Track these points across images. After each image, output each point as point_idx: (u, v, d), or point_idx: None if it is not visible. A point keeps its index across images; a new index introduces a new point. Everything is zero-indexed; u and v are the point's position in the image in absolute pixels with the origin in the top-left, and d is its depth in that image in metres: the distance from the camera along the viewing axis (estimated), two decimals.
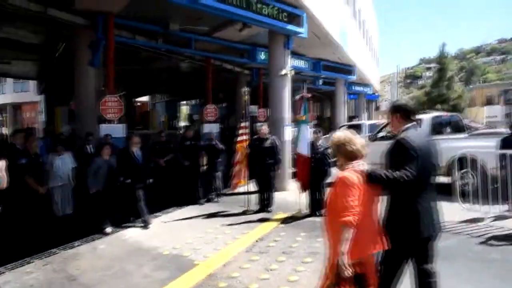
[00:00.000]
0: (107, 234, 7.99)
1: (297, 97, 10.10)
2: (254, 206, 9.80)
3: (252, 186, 9.96)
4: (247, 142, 9.73)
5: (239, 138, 9.74)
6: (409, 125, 3.63)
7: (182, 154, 10.84)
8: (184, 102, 48.11)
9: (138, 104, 37.33)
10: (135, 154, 8.51)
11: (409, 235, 3.40)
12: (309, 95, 10.61)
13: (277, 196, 10.53)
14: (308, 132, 9.42)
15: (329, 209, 3.34)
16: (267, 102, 13.26)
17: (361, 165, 3.35)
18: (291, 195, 10.94)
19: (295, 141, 9.89)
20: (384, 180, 3.28)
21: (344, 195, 3.14)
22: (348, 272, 3.09)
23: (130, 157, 8.47)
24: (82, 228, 8.26)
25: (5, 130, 38.79)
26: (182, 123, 42.92)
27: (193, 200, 10.72)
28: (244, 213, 9.58)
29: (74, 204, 8.63)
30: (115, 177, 8.23)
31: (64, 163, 8.32)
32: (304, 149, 9.22)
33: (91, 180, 7.91)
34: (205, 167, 10.72)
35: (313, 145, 9.19)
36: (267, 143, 9.68)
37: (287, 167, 12.16)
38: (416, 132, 3.58)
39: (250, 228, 8.18)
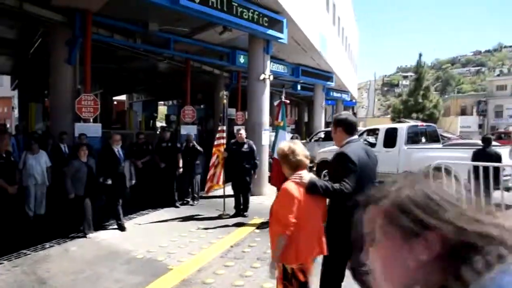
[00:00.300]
0: (88, 238, 7.80)
1: (276, 102, 10.17)
2: (231, 210, 9.76)
3: (229, 190, 9.91)
4: (224, 146, 9.69)
5: (216, 142, 9.74)
6: (350, 138, 3.81)
7: (159, 156, 10.74)
8: (162, 102, 47.53)
9: (115, 103, 36.83)
10: (117, 152, 8.31)
11: (346, 243, 3.42)
12: (288, 101, 10.66)
13: (254, 200, 10.53)
14: (285, 137, 9.49)
15: (271, 216, 3.56)
16: (246, 105, 13.26)
17: (303, 175, 3.53)
18: (267, 199, 10.94)
19: (272, 146, 9.93)
20: (324, 191, 3.48)
21: (283, 206, 3.41)
22: (273, 276, 3.51)
23: (112, 155, 8.26)
24: (54, 230, 8.10)
25: None
26: (160, 124, 42.35)
27: (169, 203, 10.67)
28: (220, 217, 9.57)
29: (47, 205, 8.44)
30: (95, 179, 7.99)
31: (38, 162, 8.15)
32: None
33: (69, 185, 7.59)
34: (181, 170, 10.63)
35: None
36: (245, 148, 9.72)
37: (265, 172, 12.18)
38: (355, 145, 3.77)
39: (225, 232, 8.17)
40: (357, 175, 3.57)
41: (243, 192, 9.76)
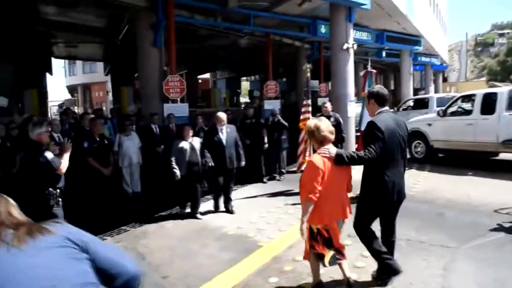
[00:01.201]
0: (200, 219, 7.84)
1: (362, 72, 9.74)
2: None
3: None
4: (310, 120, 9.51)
5: (302, 116, 9.52)
6: (381, 109, 4.18)
7: (243, 133, 10.80)
8: (245, 78, 47.82)
9: (200, 81, 37.69)
10: (221, 133, 8.00)
11: (379, 198, 4.13)
12: (374, 70, 10.20)
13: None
14: None
15: (301, 185, 4.04)
16: (329, 77, 12.90)
17: (330, 149, 3.99)
18: (356, 173, 10.58)
19: (359, 118, 9.58)
20: (350, 160, 3.93)
21: (309, 177, 3.90)
22: (305, 236, 4.10)
23: (216, 136, 7.99)
24: (151, 207, 8.49)
25: (77, 110, 40.76)
26: (243, 100, 42.72)
27: (256, 179, 10.75)
28: None
29: (142, 183, 8.84)
30: (199, 160, 7.73)
31: (132, 143, 8.50)
32: None
33: (174, 165, 7.51)
34: (266, 145, 10.63)
35: None
36: (331, 121, 9.32)
37: (352, 145, 11.85)
38: (385, 115, 4.13)
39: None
40: (385, 141, 3.96)
41: None
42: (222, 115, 7.94)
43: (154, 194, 9.26)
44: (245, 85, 52.19)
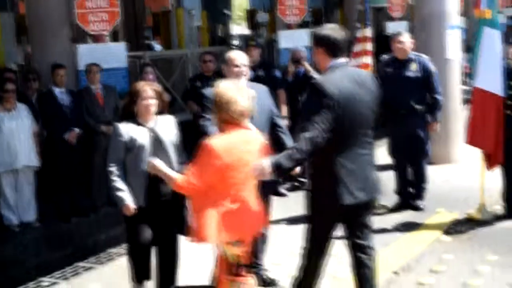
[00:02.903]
0: None
1: None
2: (390, 197, 6.02)
3: (382, 156, 6.02)
4: (372, 68, 5.84)
5: (355, 61, 5.86)
6: (333, 62, 3.33)
7: None
8: None
9: None
10: None
11: (330, 202, 3.28)
12: None
13: (434, 175, 6.75)
14: (498, 43, 5.28)
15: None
16: None
17: (262, 165, 3.05)
18: (463, 174, 7.23)
19: (470, 63, 5.65)
20: (295, 163, 3.15)
21: (197, 164, 3.09)
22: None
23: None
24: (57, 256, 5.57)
25: None
26: (238, 30, 27.78)
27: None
28: None
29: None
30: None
31: (18, 127, 6.05)
32: (491, 80, 5.28)
33: (118, 184, 4.68)
34: (286, 121, 6.63)
35: (510, 72, 5.35)
36: (412, 70, 5.72)
37: (456, 117, 7.76)
38: (340, 73, 3.30)
39: (382, 244, 4.95)
40: (337, 112, 3.14)
41: (413, 161, 5.84)
42: (239, 56, 4.21)
43: (64, 226, 6.14)
44: (239, 0, 31.89)
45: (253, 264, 3.88)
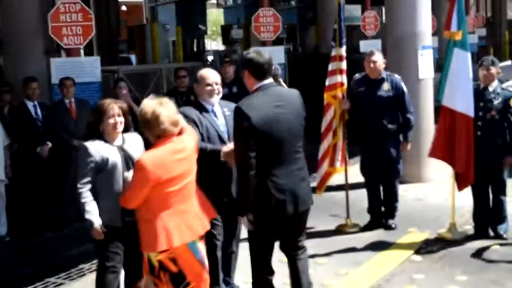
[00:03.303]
0: None
1: None
2: (361, 216, 6.00)
3: (356, 175, 6.09)
4: (344, 88, 5.76)
5: (328, 81, 5.82)
6: (260, 84, 3.48)
7: None
8: (214, 1, 29.17)
9: (124, 9, 23.20)
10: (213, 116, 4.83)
11: (266, 213, 3.46)
12: None
13: (406, 194, 6.84)
14: (468, 65, 5.22)
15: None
16: None
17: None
18: (435, 193, 7.20)
19: (439, 84, 5.71)
20: (247, 195, 3.34)
21: (133, 180, 3.24)
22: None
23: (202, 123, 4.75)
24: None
25: None
26: (213, 45, 27.32)
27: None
28: (340, 230, 5.83)
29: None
30: None
31: None
32: (462, 101, 5.25)
33: (87, 206, 4.47)
34: None
35: (480, 93, 5.32)
36: (384, 89, 5.64)
37: (427, 135, 7.55)
38: (263, 95, 3.46)
39: (352, 263, 5.11)
40: (259, 136, 3.32)
41: (385, 180, 5.78)
42: (211, 75, 4.13)
43: (35, 240, 6.01)
44: (214, 15, 31.58)
45: (225, 282, 3.97)
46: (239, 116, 3.35)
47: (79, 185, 3.58)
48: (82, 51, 7.63)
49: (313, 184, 6.35)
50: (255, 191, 3.39)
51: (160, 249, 3.17)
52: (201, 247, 3.37)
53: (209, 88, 3.86)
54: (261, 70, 3.51)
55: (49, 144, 6.06)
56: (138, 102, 6.62)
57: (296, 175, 3.53)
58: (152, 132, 3.22)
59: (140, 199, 3.16)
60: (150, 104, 3.21)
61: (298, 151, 3.58)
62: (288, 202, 3.44)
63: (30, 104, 6.23)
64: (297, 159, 3.58)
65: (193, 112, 3.94)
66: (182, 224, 3.25)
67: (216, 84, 3.93)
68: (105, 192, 3.59)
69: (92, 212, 3.52)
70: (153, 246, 3.16)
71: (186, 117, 3.64)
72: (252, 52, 3.69)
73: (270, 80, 3.55)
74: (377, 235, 5.64)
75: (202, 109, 3.97)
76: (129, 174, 3.48)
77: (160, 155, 3.14)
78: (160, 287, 3.30)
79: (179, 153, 3.19)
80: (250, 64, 3.53)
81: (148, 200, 3.17)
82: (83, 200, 3.54)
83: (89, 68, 7.43)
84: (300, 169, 3.57)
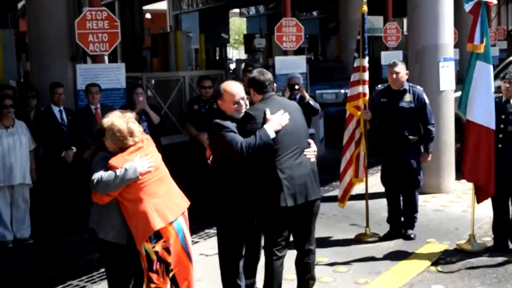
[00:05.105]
0: None
1: (469, 5, 5.54)
2: (380, 225, 5.95)
3: (376, 185, 6.05)
4: (366, 99, 5.67)
5: (350, 92, 5.80)
6: (262, 96, 3.83)
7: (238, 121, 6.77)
8: (237, 10, 29.47)
9: (148, 17, 24.29)
10: None
11: (270, 205, 3.68)
12: (493, 1, 5.80)
13: (426, 205, 6.76)
14: (490, 77, 5.17)
15: None
16: (403, 9, 8.75)
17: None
18: (455, 204, 7.10)
19: (461, 97, 5.59)
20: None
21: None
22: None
23: None
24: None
25: None
26: (234, 54, 27.52)
27: None
28: (360, 239, 5.74)
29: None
30: None
31: (16, 144, 6.08)
32: (484, 114, 5.17)
33: None
34: None
35: (501, 106, 5.24)
36: (406, 100, 5.55)
37: (448, 147, 7.60)
38: (269, 102, 3.77)
39: (372, 273, 5.03)
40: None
41: (405, 190, 5.70)
42: (237, 90, 3.80)
43: (58, 244, 6.04)
44: (237, 23, 32.26)
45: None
46: (247, 118, 3.68)
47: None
48: (106, 58, 7.60)
49: (335, 193, 6.45)
50: (266, 182, 3.64)
51: (158, 226, 3.32)
52: (182, 221, 3.53)
53: (236, 106, 3.64)
54: (263, 86, 3.87)
55: (74, 149, 6.08)
56: (156, 108, 6.74)
57: (305, 165, 3.80)
58: (118, 144, 3.47)
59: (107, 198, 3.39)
60: (113, 119, 3.43)
61: (301, 148, 3.84)
62: (298, 193, 3.69)
63: (56, 109, 6.25)
64: (303, 156, 3.85)
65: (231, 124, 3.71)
66: (169, 202, 3.49)
67: (242, 99, 3.69)
68: (114, 211, 3.52)
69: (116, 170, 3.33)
70: (150, 228, 3.30)
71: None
72: (255, 72, 4.07)
73: (272, 93, 3.94)
74: (396, 245, 5.57)
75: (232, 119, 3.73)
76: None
77: (129, 158, 3.38)
78: (157, 283, 3.43)
79: (144, 150, 3.49)
80: (253, 82, 3.90)
81: (130, 194, 3.37)
82: (103, 178, 3.35)
83: (114, 75, 7.39)
84: (307, 165, 3.83)
